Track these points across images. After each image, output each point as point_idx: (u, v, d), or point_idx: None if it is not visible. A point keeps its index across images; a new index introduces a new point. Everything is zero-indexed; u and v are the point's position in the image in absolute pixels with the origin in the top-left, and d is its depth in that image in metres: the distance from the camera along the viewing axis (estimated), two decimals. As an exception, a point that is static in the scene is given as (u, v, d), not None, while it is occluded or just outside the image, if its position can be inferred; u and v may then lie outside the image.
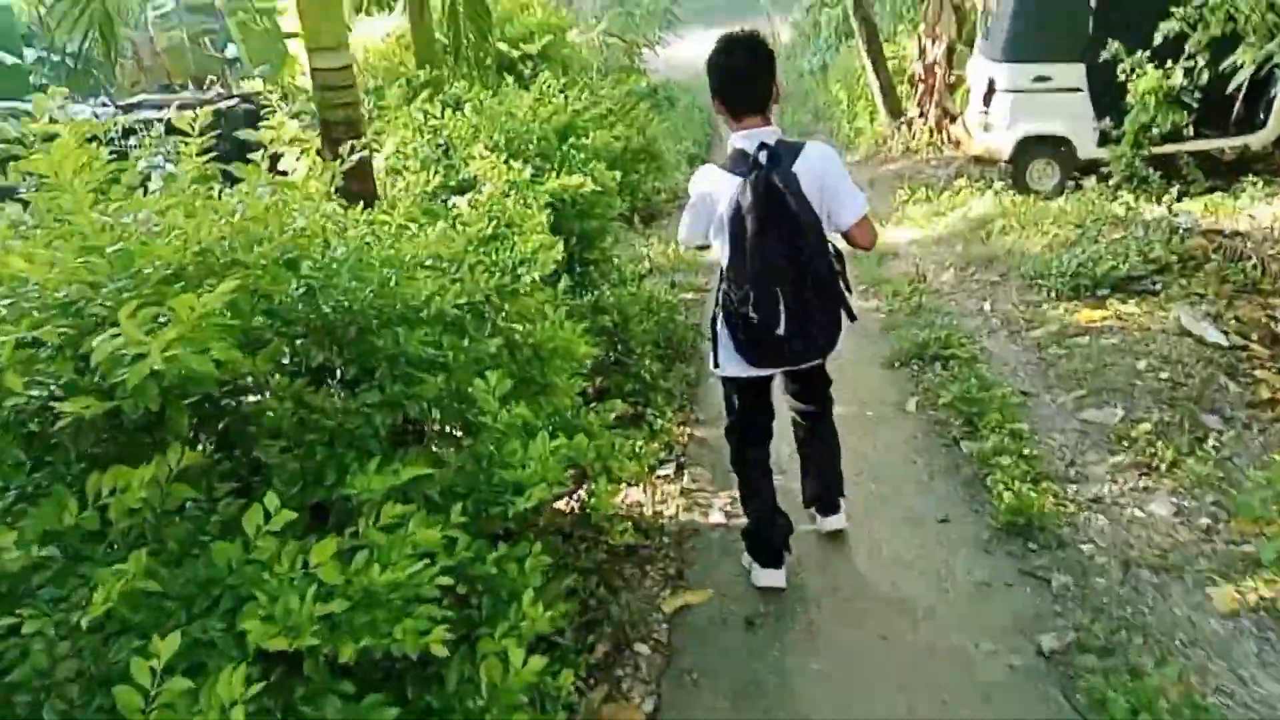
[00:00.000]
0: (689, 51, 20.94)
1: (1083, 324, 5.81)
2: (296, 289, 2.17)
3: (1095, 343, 5.52)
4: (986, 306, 6.45)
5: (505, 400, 2.44)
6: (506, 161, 4.51)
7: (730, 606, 3.27)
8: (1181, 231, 6.60)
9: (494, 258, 3.07)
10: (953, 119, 11.40)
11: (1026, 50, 8.98)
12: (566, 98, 6.05)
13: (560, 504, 3.70)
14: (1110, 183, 8.10)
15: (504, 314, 2.97)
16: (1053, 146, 9.20)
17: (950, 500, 3.92)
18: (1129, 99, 6.81)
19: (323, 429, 2.19)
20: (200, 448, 2.24)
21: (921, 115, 11.80)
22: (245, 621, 1.68)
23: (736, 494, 4.06)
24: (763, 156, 2.94)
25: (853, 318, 3.15)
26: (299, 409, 2.18)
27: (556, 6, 11.82)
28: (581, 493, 3.68)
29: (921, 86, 11.70)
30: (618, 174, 5.97)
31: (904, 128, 12.03)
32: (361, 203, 3.43)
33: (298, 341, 2.24)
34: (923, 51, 11.58)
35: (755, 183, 2.91)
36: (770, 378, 3.37)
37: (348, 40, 4.58)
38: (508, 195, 4.15)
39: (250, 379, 2.19)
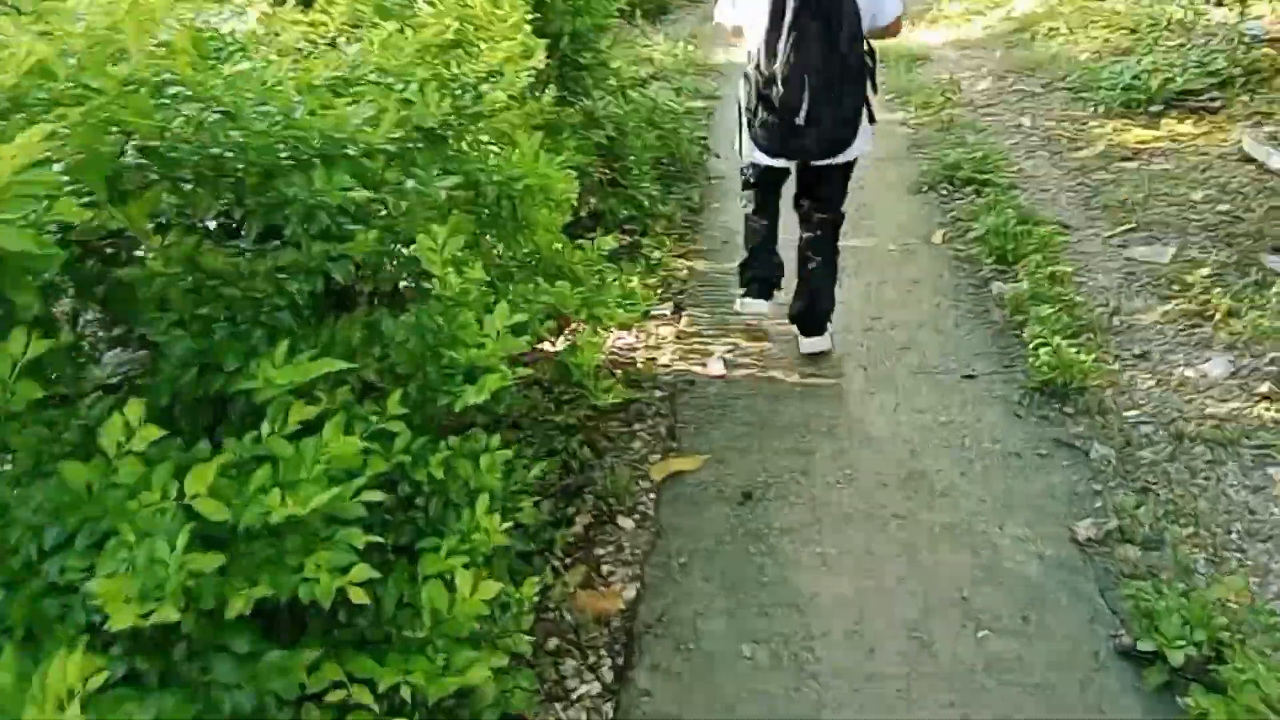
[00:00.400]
0: None
1: (1133, 145, 5.22)
2: (175, 123, 1.68)
3: (1146, 168, 4.96)
4: (1026, 122, 5.81)
5: (459, 260, 1.99)
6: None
7: (726, 475, 2.93)
8: (1249, 39, 5.85)
9: (454, 70, 2.53)
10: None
11: None
12: None
13: (544, 344, 3.31)
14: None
15: (467, 142, 2.47)
16: (1110, -66, 8.20)
17: (978, 352, 3.52)
18: None
19: (222, 299, 1.75)
20: (75, 325, 1.82)
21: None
22: (102, 570, 1.32)
23: (736, 341, 3.71)
24: None
25: (872, 120, 3.16)
26: (191, 273, 1.74)
27: None
28: (565, 338, 3.29)
29: None
30: (617, -39, 5.23)
31: None
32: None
33: (186, 189, 1.77)
34: None
35: None
36: (789, 171, 3.37)
37: None
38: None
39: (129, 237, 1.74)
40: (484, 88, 2.49)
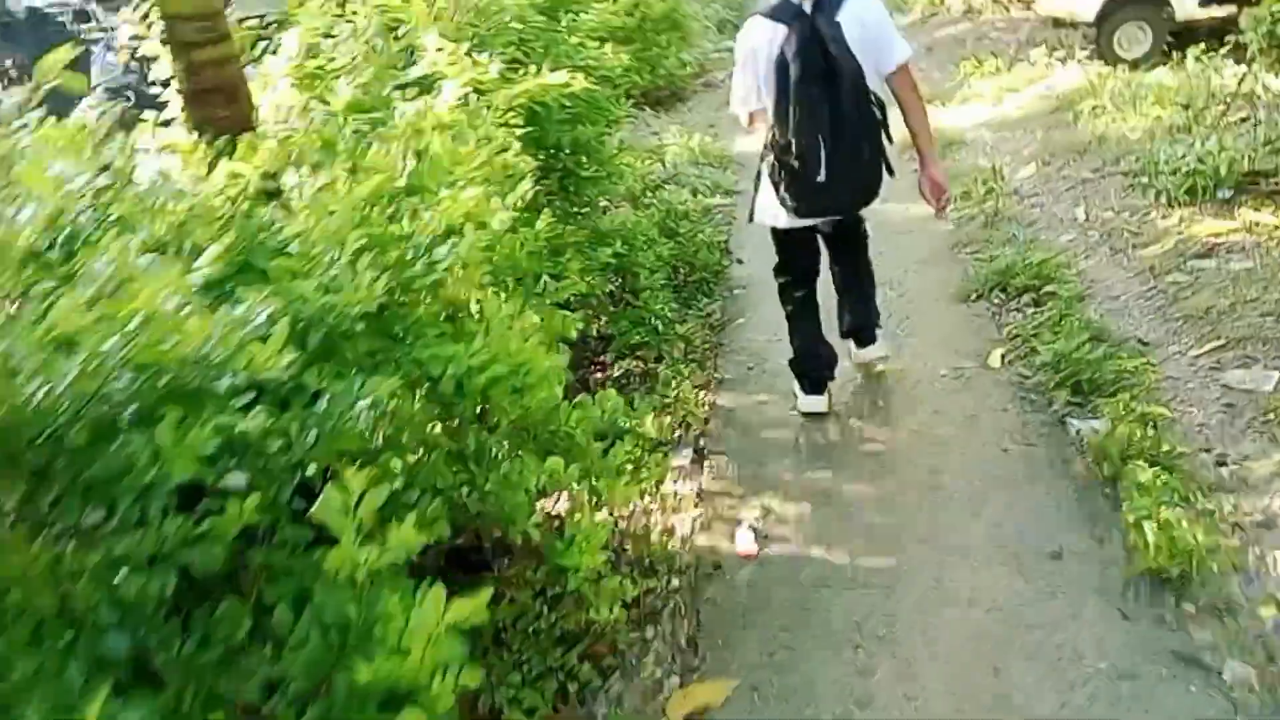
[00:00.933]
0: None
1: (1206, 239, 4.63)
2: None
3: (1225, 266, 4.37)
4: (1080, 214, 5.25)
5: (384, 517, 1.44)
6: (469, 53, 3.40)
7: (761, 709, 2.33)
8: (1324, 112, 5.30)
9: (402, 229, 2.02)
10: (1024, -30, 9.81)
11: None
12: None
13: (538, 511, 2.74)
14: (1222, 52, 6.68)
15: (413, 324, 1.94)
16: (1146, 5, 7.74)
17: (1062, 519, 2.91)
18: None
19: (23, 617, 1.22)
20: None
21: (987, -33, 10.19)
22: None
23: (769, 502, 3.14)
24: (807, 5, 3.01)
25: (891, 173, 3.23)
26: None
27: None
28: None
29: (987, -69, 10.06)
30: (624, 58, 4.80)
31: (965, -19, 10.44)
32: (228, 136, 2.38)
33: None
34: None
35: (800, 29, 2.99)
36: (815, 228, 3.44)
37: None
38: (467, 102, 3.08)
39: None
40: (439, 251, 1.98)
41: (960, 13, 10.37)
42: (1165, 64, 7.29)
